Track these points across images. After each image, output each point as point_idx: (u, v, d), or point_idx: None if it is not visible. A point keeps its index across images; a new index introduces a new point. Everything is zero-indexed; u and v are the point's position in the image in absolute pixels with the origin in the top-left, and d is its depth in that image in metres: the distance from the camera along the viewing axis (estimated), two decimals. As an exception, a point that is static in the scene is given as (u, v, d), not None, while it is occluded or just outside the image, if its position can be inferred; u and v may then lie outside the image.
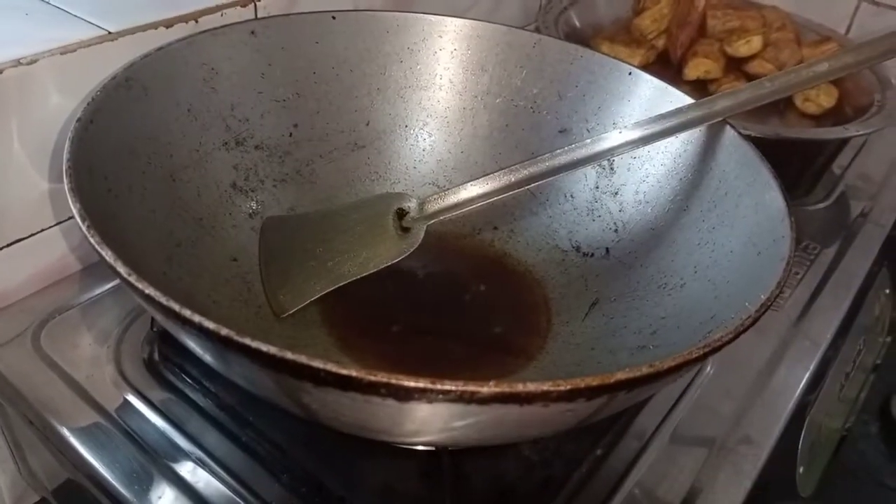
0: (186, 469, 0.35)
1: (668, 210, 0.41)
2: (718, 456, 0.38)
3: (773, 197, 0.34)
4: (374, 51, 0.46)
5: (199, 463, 0.35)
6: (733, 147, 0.39)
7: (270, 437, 0.36)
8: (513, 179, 0.40)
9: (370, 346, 0.38)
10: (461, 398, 0.22)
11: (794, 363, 0.44)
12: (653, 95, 0.43)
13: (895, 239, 0.59)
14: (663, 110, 0.40)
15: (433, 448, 0.34)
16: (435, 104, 0.47)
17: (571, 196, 0.45)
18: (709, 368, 0.42)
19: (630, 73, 0.43)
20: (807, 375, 0.43)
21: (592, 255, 0.43)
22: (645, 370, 0.24)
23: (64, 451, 0.36)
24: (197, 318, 0.24)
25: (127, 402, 0.38)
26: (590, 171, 0.45)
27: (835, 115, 0.64)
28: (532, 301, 0.42)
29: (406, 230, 0.41)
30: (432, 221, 0.41)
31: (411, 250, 0.40)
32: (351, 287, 0.40)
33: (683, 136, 0.41)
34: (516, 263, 0.44)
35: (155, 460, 0.35)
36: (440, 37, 0.47)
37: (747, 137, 0.38)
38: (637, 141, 0.39)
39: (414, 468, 0.35)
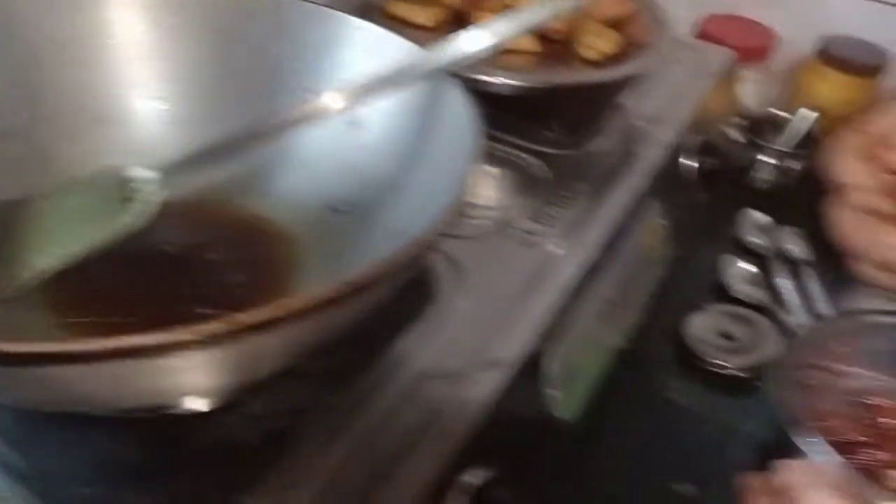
0: None
1: (402, 162, 0.42)
2: (459, 384, 0.40)
3: (473, 140, 0.36)
4: (104, 21, 0.44)
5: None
6: (454, 97, 0.40)
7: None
8: (246, 139, 0.40)
9: (98, 324, 0.38)
10: (57, 359, 0.22)
11: (548, 289, 0.46)
12: (387, 48, 0.44)
13: (667, 172, 0.63)
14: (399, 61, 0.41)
15: (150, 415, 0.34)
16: (177, 72, 0.46)
17: (325, 155, 0.46)
18: (464, 301, 0.44)
19: (359, 27, 0.44)
20: (556, 300, 0.46)
21: (340, 210, 0.44)
22: (272, 313, 0.24)
23: None
24: None
25: None
26: (340, 129, 0.45)
27: (617, 60, 0.67)
28: (281, 260, 0.42)
29: (136, 202, 0.40)
30: (169, 190, 0.40)
31: (141, 222, 0.39)
32: (83, 266, 0.39)
33: (418, 89, 0.42)
34: (267, 225, 0.44)
35: None
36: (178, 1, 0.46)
37: (464, 87, 0.40)
38: (370, 93, 0.40)
39: (134, 437, 0.35)
